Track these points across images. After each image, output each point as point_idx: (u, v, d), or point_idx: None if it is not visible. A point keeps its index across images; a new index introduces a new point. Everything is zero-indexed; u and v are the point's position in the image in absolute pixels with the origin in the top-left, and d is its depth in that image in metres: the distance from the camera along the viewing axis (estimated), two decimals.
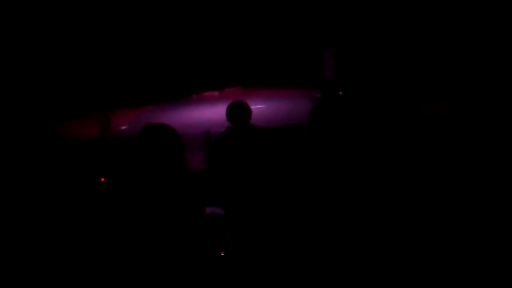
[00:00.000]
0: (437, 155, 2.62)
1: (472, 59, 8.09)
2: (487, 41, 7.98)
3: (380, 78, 8.43)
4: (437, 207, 2.40)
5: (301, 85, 9.02)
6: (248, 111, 4.78)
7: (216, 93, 10.59)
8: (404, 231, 2.26)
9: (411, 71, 8.58)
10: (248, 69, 10.58)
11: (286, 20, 10.12)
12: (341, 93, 5.75)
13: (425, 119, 2.86)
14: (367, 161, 2.32)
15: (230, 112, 4.83)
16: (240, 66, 10.58)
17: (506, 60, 7.70)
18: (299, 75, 9.81)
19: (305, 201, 2.19)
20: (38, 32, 9.08)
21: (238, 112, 4.80)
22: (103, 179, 4.64)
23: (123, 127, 8.00)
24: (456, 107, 7.45)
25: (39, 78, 9.16)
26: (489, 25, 7.97)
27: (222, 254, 2.66)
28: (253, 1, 10.30)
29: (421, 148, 2.67)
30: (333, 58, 8.82)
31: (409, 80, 8.51)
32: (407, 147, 2.62)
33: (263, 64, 10.44)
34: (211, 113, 8.20)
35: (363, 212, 2.19)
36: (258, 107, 7.21)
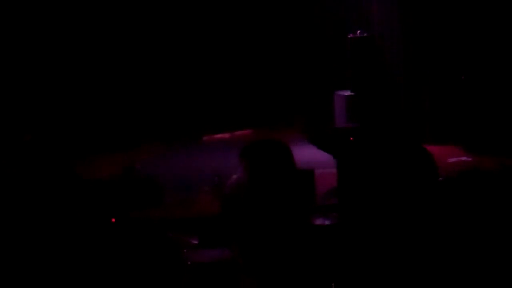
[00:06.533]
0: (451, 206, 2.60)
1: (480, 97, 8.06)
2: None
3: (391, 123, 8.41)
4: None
5: (312, 128, 9.01)
6: None
7: (227, 136, 10.59)
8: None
9: (419, 112, 8.56)
10: (259, 112, 10.57)
11: (298, 63, 10.18)
12: (352, 138, 5.73)
13: (437, 166, 2.81)
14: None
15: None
16: (251, 108, 10.57)
17: None
18: (310, 118, 9.82)
19: None
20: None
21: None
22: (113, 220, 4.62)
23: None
24: (472, 152, 7.37)
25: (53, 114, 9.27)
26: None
27: None
28: (265, 43, 10.37)
29: (436, 197, 2.64)
30: (344, 103, 8.82)
31: (417, 123, 8.48)
32: (422, 196, 2.59)
33: (273, 107, 10.45)
34: (222, 156, 8.15)
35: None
36: None
